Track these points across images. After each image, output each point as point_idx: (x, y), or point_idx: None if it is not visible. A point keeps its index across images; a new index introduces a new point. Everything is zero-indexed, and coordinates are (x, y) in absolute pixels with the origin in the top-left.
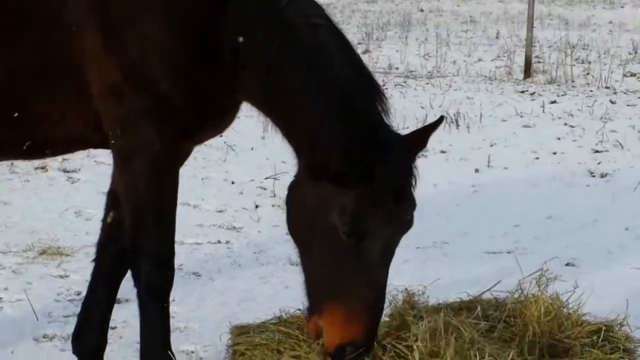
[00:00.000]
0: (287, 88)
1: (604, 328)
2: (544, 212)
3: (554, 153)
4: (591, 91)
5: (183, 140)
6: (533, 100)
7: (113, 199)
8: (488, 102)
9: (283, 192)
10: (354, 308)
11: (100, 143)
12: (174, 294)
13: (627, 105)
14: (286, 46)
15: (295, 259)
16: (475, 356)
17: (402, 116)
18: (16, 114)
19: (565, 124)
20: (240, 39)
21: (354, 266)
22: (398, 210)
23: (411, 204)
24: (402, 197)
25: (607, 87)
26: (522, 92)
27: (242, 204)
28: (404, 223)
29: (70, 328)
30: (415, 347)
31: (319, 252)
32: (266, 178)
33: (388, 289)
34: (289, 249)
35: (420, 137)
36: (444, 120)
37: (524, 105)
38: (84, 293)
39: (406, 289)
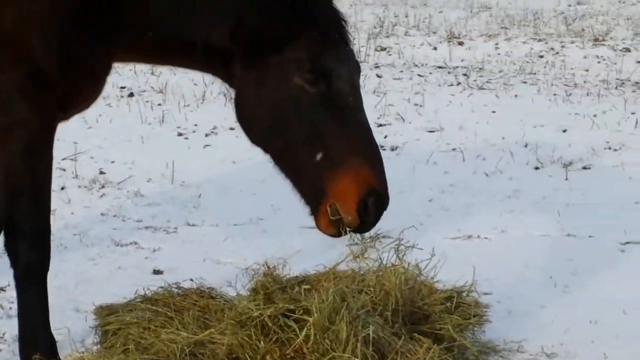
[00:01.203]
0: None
1: (455, 295)
2: None
3: None
4: None
5: (58, 115)
6: None
7: None
8: None
9: (85, 173)
10: (355, 159)
11: None
12: (6, 281)
13: (394, 79)
14: None
15: (119, 240)
16: (360, 327)
17: None
18: None
19: None
20: None
21: (335, 115)
22: (346, 49)
23: (351, 45)
24: (343, 37)
25: (361, 62)
26: None
27: None
28: (355, 62)
29: None
30: (311, 320)
31: (297, 128)
32: (63, 159)
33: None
34: (109, 230)
35: None
36: None
37: None
38: None
39: (266, 262)
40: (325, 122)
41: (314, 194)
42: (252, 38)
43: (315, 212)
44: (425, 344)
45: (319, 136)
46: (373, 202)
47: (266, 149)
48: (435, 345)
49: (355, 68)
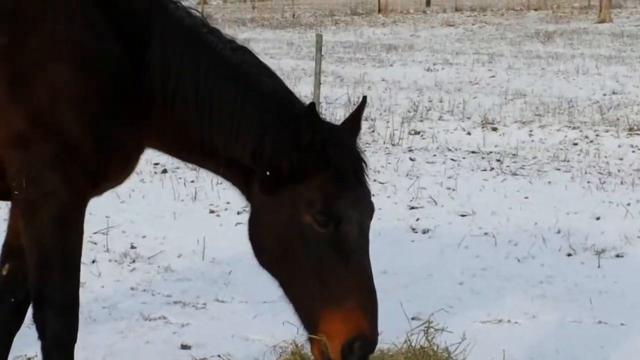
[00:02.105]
0: (221, 107)
1: None
2: (377, 267)
3: None
4: (387, 148)
5: (89, 189)
6: None
7: (8, 251)
8: None
9: (116, 247)
10: (352, 302)
11: (1, 194)
12: (33, 351)
13: (427, 163)
14: (215, 69)
15: (148, 314)
16: None
17: None
18: None
19: (375, 180)
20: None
21: (339, 257)
22: (360, 192)
23: (368, 187)
24: (360, 179)
25: (394, 144)
26: None
27: None
28: (369, 205)
29: None
30: None
31: (301, 261)
32: (95, 233)
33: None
34: (138, 303)
35: (354, 121)
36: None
37: None
38: None
39: (294, 340)
40: (328, 262)
41: (309, 324)
42: (269, 166)
43: (310, 339)
44: None
45: (321, 274)
46: (359, 345)
47: (272, 273)
48: None
49: (368, 210)
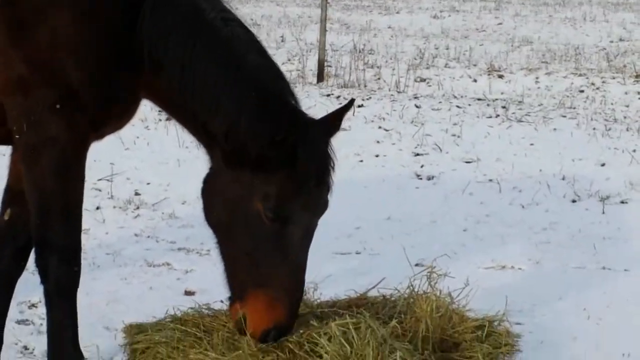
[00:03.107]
0: (204, 82)
1: (487, 324)
2: (381, 214)
3: (377, 156)
4: (392, 95)
5: (90, 134)
6: (340, 104)
7: (10, 196)
8: None
9: (121, 194)
10: (278, 293)
11: (2, 139)
12: (37, 297)
13: (432, 110)
14: (202, 42)
15: (152, 260)
16: (387, 352)
17: None
18: None
19: (380, 127)
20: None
21: (277, 251)
22: (318, 193)
23: (328, 186)
24: (322, 180)
25: (399, 92)
26: (328, 95)
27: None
28: (322, 205)
29: None
30: (326, 348)
31: (241, 240)
32: (99, 179)
33: None
34: (142, 250)
35: (334, 120)
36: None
37: (332, 108)
38: None
39: None
40: (268, 251)
41: (234, 292)
42: (238, 145)
43: (231, 302)
44: None
45: (258, 258)
46: (273, 335)
47: (215, 235)
48: None
49: (320, 209)
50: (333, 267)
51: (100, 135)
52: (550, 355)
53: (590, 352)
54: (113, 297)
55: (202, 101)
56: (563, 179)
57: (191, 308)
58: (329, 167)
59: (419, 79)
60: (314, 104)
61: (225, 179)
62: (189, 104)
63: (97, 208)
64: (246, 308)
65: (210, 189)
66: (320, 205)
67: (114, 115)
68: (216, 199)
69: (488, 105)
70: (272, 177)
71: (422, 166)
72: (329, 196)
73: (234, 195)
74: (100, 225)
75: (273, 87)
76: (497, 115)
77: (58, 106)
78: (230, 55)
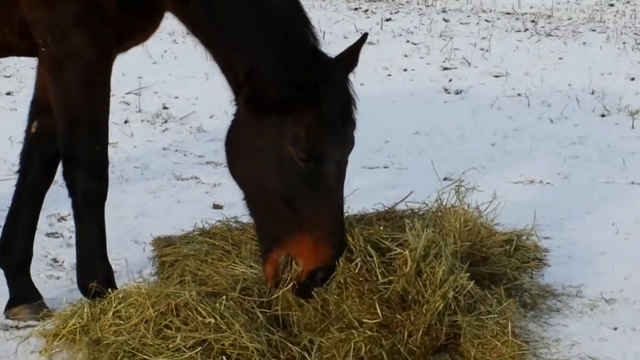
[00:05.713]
0: (227, 18)
1: (515, 238)
2: (409, 128)
3: (405, 70)
4: (420, 9)
5: (114, 47)
6: (368, 17)
7: (37, 108)
8: (325, 20)
9: (149, 107)
10: (320, 233)
11: (27, 51)
12: (66, 210)
13: (461, 24)
14: None
15: (180, 174)
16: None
17: None
18: None
19: (408, 42)
20: None
21: (314, 191)
22: (344, 129)
23: (353, 123)
24: (347, 117)
25: (427, 5)
26: (356, 9)
27: (111, 118)
28: (350, 141)
29: None
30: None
31: (275, 186)
32: (127, 93)
33: None
34: (170, 164)
35: (351, 56)
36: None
37: (360, 22)
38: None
39: None
40: (304, 193)
41: (270, 242)
42: (261, 87)
43: (265, 256)
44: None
45: (295, 202)
46: (321, 277)
47: (240, 186)
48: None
49: (348, 146)
50: (361, 181)
51: (124, 48)
52: (578, 269)
53: (619, 267)
54: (141, 210)
55: (226, 38)
56: (592, 93)
57: (219, 221)
58: (351, 103)
59: None
60: (342, 17)
61: (251, 128)
62: (213, 36)
63: (126, 122)
64: (289, 252)
65: (235, 140)
66: (348, 142)
67: (137, 28)
68: (242, 150)
69: (517, 19)
70: (299, 118)
71: (450, 80)
72: (354, 132)
73: (261, 143)
74: (128, 138)
75: (295, 29)
76: (526, 30)
77: (82, 19)
78: None
